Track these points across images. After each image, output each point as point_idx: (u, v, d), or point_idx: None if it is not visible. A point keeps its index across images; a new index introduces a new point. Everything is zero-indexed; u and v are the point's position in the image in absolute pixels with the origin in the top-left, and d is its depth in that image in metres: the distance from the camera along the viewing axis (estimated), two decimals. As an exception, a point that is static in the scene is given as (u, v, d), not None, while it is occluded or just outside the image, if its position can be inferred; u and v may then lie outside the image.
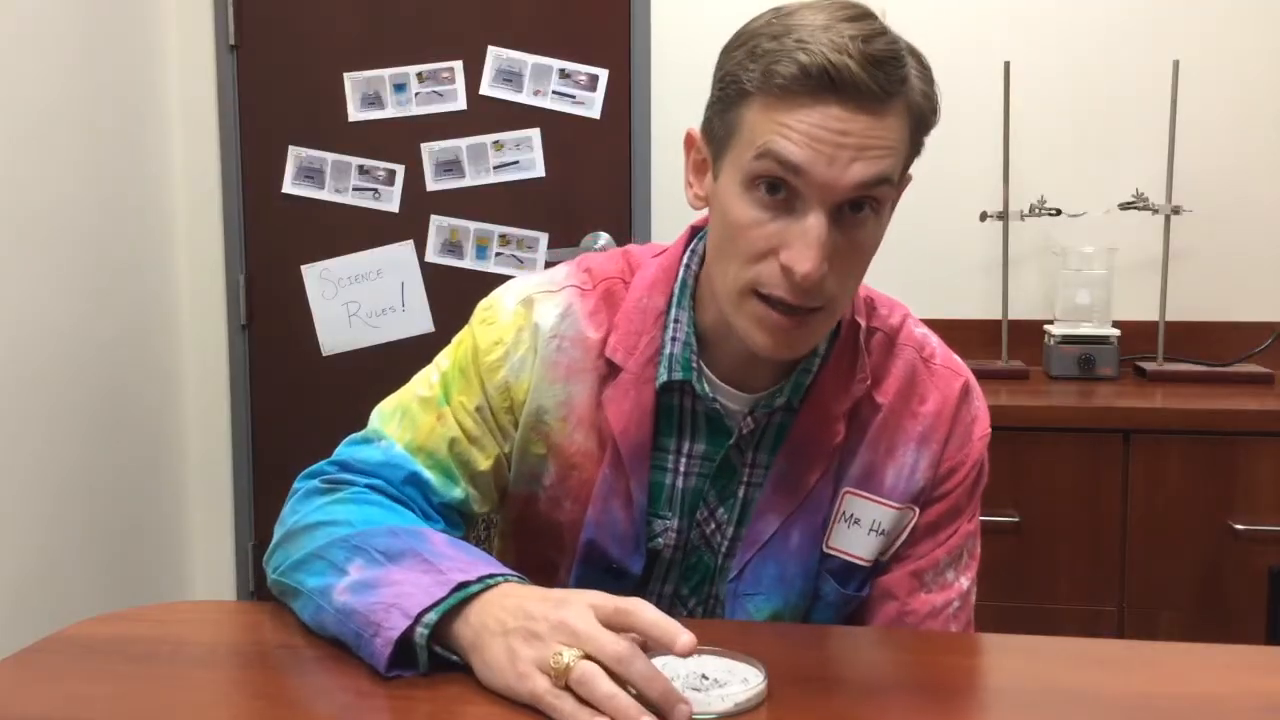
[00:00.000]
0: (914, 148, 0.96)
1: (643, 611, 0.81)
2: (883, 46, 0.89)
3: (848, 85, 0.88)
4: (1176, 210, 2.38)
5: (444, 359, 1.11)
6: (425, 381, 1.10)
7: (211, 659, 0.94)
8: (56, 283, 2.35)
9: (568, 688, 0.78)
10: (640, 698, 0.78)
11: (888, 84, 0.89)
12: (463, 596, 0.86)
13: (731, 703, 0.81)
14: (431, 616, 0.85)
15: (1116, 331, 2.37)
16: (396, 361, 2.75)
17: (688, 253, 1.08)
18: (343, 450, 1.09)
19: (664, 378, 1.04)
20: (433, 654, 0.87)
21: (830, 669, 0.91)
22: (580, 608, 0.82)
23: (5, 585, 2.20)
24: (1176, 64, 2.35)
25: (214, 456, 2.88)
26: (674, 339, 1.05)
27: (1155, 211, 2.39)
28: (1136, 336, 2.44)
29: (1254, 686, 0.87)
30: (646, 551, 1.08)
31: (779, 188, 0.91)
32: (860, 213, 0.93)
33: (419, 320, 2.77)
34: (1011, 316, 2.48)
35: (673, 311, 1.05)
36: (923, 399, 1.08)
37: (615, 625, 0.81)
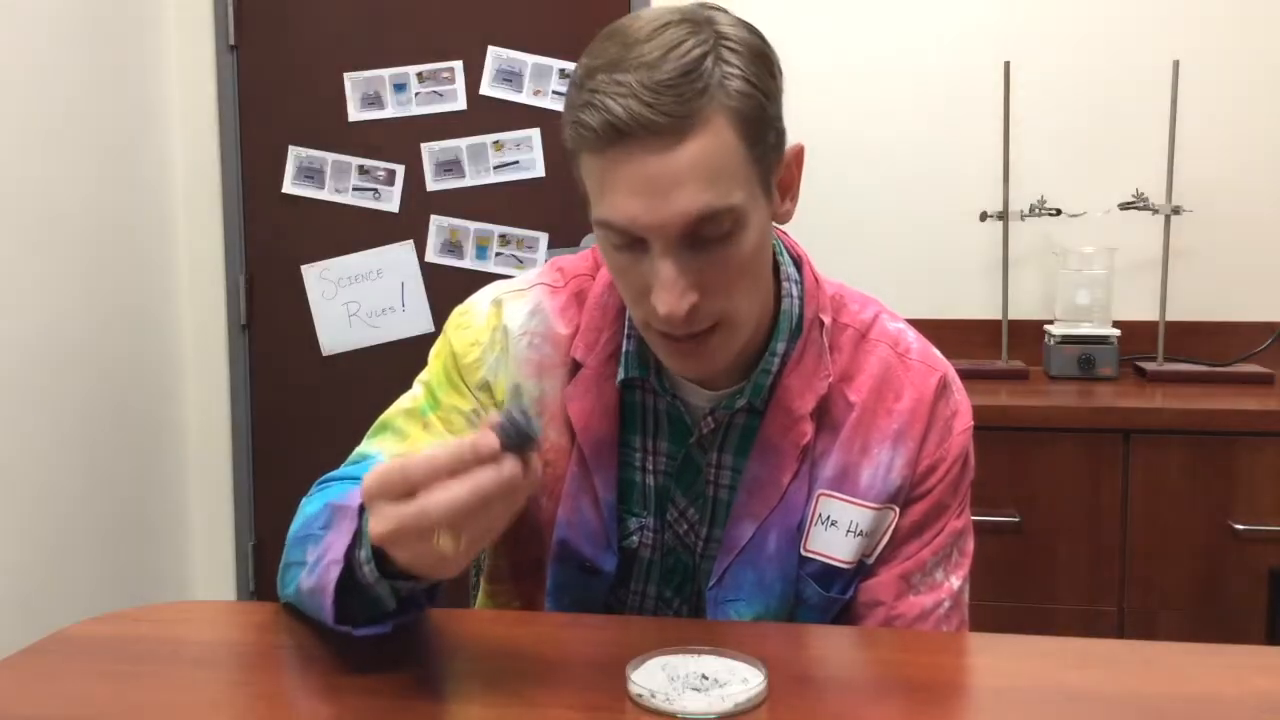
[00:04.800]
0: (756, 142, 0.91)
1: (448, 453, 0.79)
2: (668, 68, 0.86)
3: (638, 128, 0.86)
4: (1176, 210, 2.38)
5: (424, 374, 1.13)
6: (409, 397, 1.12)
7: (211, 659, 0.94)
8: (56, 283, 2.35)
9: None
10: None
11: (680, 109, 0.86)
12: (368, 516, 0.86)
13: (731, 703, 0.81)
14: (363, 552, 0.86)
15: (1116, 331, 2.37)
16: (396, 361, 2.75)
17: None
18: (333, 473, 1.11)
19: (622, 375, 1.05)
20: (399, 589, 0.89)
21: (830, 669, 0.91)
22: (384, 512, 0.79)
23: (5, 585, 2.20)
24: (1176, 64, 2.35)
25: (214, 456, 2.87)
26: (629, 335, 1.06)
27: (1155, 211, 2.39)
28: (1136, 336, 2.44)
29: (1254, 686, 0.87)
30: (621, 550, 1.08)
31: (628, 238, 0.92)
32: (719, 234, 0.91)
33: (419, 320, 2.77)
34: (1011, 316, 2.48)
35: (630, 309, 1.06)
36: (898, 395, 1.06)
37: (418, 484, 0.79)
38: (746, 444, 1.06)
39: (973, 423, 1.10)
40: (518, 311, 1.09)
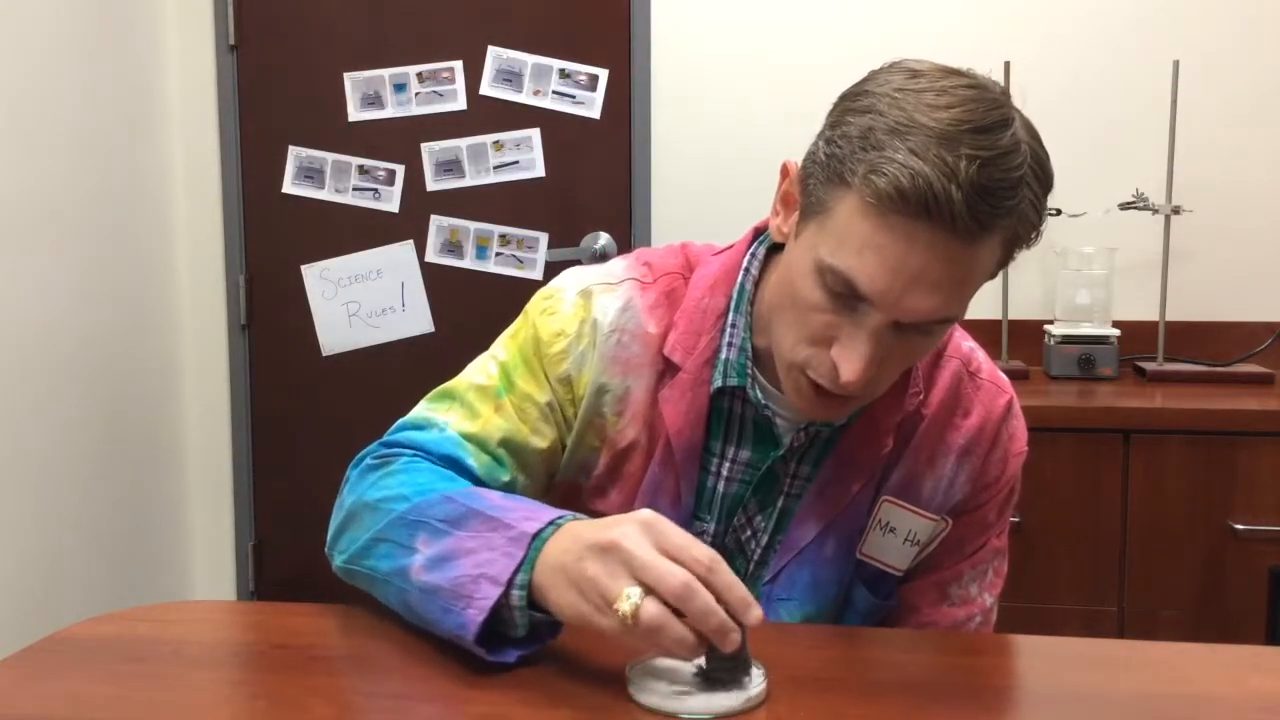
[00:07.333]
0: (1006, 260, 0.92)
1: (722, 573, 0.79)
2: (998, 175, 0.84)
3: (945, 215, 0.83)
4: (1176, 210, 2.38)
5: (500, 350, 1.09)
6: (482, 371, 1.08)
7: (211, 659, 0.94)
8: (56, 283, 2.35)
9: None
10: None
11: (990, 218, 0.85)
12: (539, 546, 0.86)
13: (732, 703, 0.81)
14: (522, 577, 0.85)
15: (1116, 331, 2.37)
16: (396, 361, 2.74)
17: (748, 256, 1.07)
18: (391, 434, 1.07)
19: (719, 383, 1.04)
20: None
21: (830, 669, 0.91)
22: (634, 530, 0.81)
23: (5, 585, 2.20)
24: (1176, 64, 2.35)
25: (214, 456, 2.87)
26: (730, 344, 1.04)
27: (1155, 211, 2.39)
28: (1136, 336, 2.44)
29: (1254, 686, 0.87)
30: None
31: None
32: (928, 328, 0.91)
33: (419, 320, 2.77)
34: (1011, 316, 2.48)
35: (730, 316, 1.04)
36: (966, 412, 1.07)
37: (681, 562, 0.79)
38: (825, 452, 1.06)
39: (1026, 449, 1.11)
40: (608, 306, 1.06)
